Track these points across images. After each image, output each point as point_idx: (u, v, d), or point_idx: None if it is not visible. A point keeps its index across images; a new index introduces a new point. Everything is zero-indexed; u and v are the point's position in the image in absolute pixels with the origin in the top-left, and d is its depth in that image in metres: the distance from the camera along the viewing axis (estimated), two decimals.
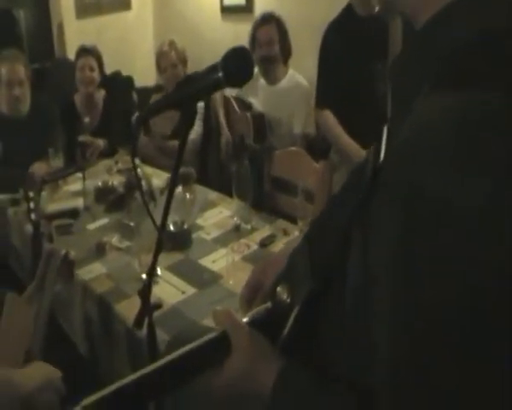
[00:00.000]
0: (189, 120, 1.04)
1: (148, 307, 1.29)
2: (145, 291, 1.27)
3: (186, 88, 0.99)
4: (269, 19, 3.13)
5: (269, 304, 0.92)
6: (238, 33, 3.92)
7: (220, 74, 0.92)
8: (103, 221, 2.32)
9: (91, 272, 1.92)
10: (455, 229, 0.54)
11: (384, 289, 0.63)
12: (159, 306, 1.36)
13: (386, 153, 0.71)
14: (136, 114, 3.69)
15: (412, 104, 0.64)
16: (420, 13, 0.69)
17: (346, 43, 2.40)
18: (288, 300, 0.86)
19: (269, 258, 1.14)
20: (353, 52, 2.37)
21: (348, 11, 2.42)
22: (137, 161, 2.94)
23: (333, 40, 2.46)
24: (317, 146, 3.05)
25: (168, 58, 3.35)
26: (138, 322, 1.29)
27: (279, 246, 2.00)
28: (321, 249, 0.84)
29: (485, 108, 0.56)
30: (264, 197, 2.43)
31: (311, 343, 0.82)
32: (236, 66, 0.93)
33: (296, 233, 2.04)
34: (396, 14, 0.78)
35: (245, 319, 0.89)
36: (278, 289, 0.89)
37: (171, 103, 1.08)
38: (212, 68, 0.94)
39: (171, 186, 1.15)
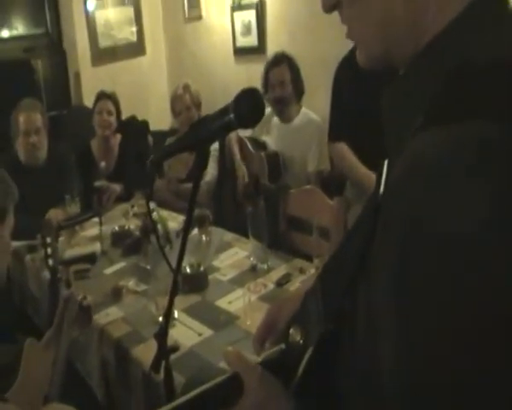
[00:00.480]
0: (202, 162, 1.05)
1: (165, 350, 1.28)
2: (161, 334, 1.27)
3: (198, 130, 1.00)
4: (281, 59, 3.18)
5: (282, 345, 0.92)
6: (251, 74, 3.98)
7: (231, 116, 0.93)
8: (120, 265, 2.33)
9: (108, 316, 1.92)
10: (451, 259, 0.54)
11: (383, 330, 0.62)
12: (175, 349, 1.35)
13: (384, 188, 0.72)
14: (151, 157, 3.75)
15: (408, 138, 0.64)
16: (404, 54, 0.70)
17: (357, 77, 2.41)
18: (301, 341, 0.85)
19: (284, 297, 1.13)
20: (364, 85, 2.38)
21: None
22: (153, 205, 2.97)
23: (344, 74, 2.49)
24: (332, 183, 3.06)
25: (182, 101, 3.41)
26: (155, 366, 1.28)
27: (295, 285, 1.99)
28: (332, 290, 0.83)
29: (472, 138, 0.56)
30: (280, 237, 2.42)
31: (324, 386, 0.82)
32: (247, 107, 0.94)
33: (312, 271, 2.03)
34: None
35: (258, 360, 0.89)
36: (291, 330, 0.88)
37: (184, 146, 1.09)
38: (224, 110, 0.95)
39: (186, 228, 1.16)
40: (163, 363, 1.28)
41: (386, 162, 0.76)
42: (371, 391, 0.70)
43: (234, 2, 4.14)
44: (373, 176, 2.56)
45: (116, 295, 2.04)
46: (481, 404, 0.54)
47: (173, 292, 1.24)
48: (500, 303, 0.53)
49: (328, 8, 0.76)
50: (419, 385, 0.57)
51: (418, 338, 0.57)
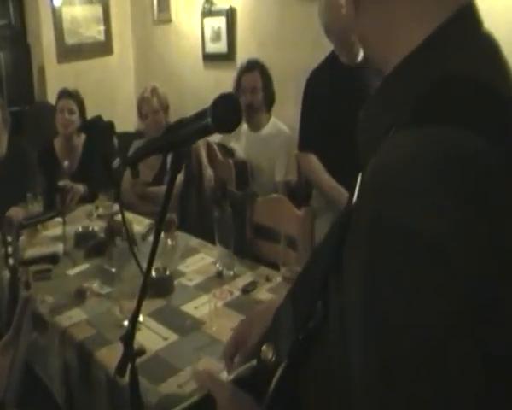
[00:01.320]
0: (178, 165, 1.05)
1: (131, 353, 1.27)
2: (128, 337, 1.25)
3: (175, 133, 1.00)
4: (254, 66, 3.20)
5: (254, 362, 0.93)
6: (220, 80, 3.99)
7: (209, 120, 0.94)
8: (83, 267, 2.29)
9: (71, 318, 1.89)
10: (417, 257, 0.55)
11: (354, 328, 0.63)
12: (141, 352, 1.34)
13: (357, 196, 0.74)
14: (118, 159, 3.70)
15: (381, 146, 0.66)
16: (386, 64, 0.73)
17: (329, 90, 2.46)
18: (273, 359, 0.86)
19: (254, 311, 1.14)
20: (336, 99, 2.43)
21: (332, 58, 2.49)
22: (117, 207, 2.94)
23: (316, 86, 2.52)
24: (299, 193, 3.09)
25: (150, 104, 3.39)
26: (120, 369, 1.27)
27: (261, 292, 2.00)
28: (303, 302, 0.85)
29: (441, 140, 0.59)
30: (247, 244, 2.43)
31: (296, 399, 0.83)
32: (225, 112, 0.95)
33: (279, 279, 2.05)
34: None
35: (230, 377, 0.89)
36: (263, 347, 0.89)
37: (160, 148, 1.09)
38: (201, 114, 0.96)
39: (157, 231, 1.15)
40: (128, 367, 1.27)
41: (359, 175, 0.77)
42: (344, 395, 0.71)
43: (204, 8, 4.14)
44: (339, 188, 2.59)
45: (80, 296, 2.00)
46: (450, 400, 0.55)
47: (142, 295, 1.23)
48: (465, 298, 0.54)
49: None
50: (388, 382, 0.58)
51: (385, 334, 0.58)
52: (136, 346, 1.25)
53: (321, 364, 0.78)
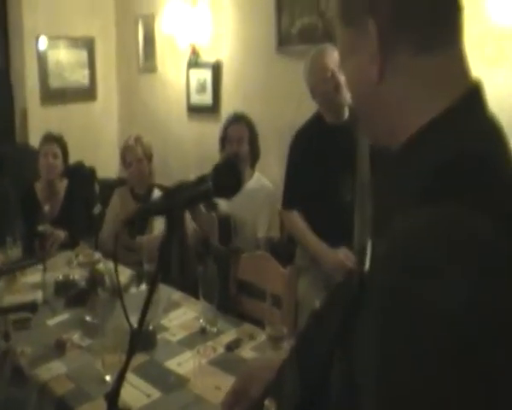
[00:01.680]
0: (175, 228, 1.06)
1: None
2: (113, 395, 1.23)
3: (174, 196, 1.02)
4: (241, 118, 3.25)
5: None
6: (204, 132, 4.04)
7: (210, 185, 0.96)
8: (63, 317, 2.25)
9: (50, 371, 1.84)
10: (432, 331, 0.58)
11: (369, 397, 0.65)
12: None
13: (370, 265, 0.76)
14: (99, 206, 3.69)
15: (392, 220, 0.69)
16: (393, 139, 0.77)
17: (314, 150, 2.50)
18: None
19: (254, 365, 1.15)
20: (321, 159, 2.48)
21: (317, 118, 2.54)
22: (99, 256, 2.91)
23: (301, 146, 2.56)
24: (281, 250, 3.11)
25: (133, 153, 3.39)
26: None
27: (245, 350, 1.99)
28: (310, 363, 0.86)
29: (455, 219, 0.62)
30: (230, 300, 2.42)
31: None
32: (226, 178, 0.97)
33: (263, 337, 2.04)
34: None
35: None
36: (266, 402, 0.90)
37: (158, 210, 1.10)
38: (202, 179, 0.98)
39: (152, 288, 1.14)
40: None
41: (369, 243, 0.80)
42: None
43: (190, 60, 4.22)
44: (324, 246, 2.60)
45: (59, 348, 1.96)
46: None
47: (131, 351, 1.21)
48: (479, 370, 0.57)
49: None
50: None
51: (399, 403, 0.60)
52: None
53: None
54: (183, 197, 1.00)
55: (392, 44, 0.73)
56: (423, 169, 0.70)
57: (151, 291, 1.12)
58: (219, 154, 3.33)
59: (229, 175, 0.97)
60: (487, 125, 0.73)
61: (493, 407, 0.57)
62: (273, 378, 0.99)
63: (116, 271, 1.45)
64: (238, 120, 3.25)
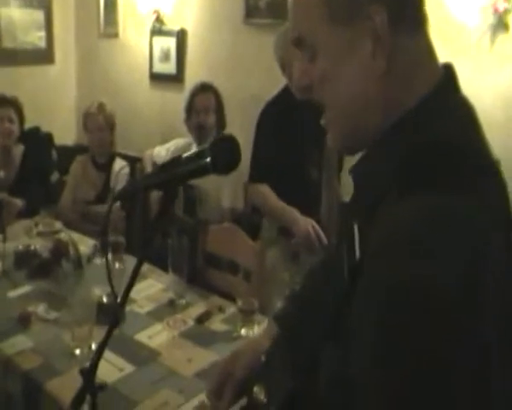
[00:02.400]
0: (169, 203, 1.03)
1: (93, 387, 1.22)
2: (89, 371, 1.20)
3: (171, 170, 0.99)
4: (208, 87, 3.21)
5: (243, 401, 0.94)
6: (166, 102, 3.96)
7: (208, 160, 0.93)
8: (26, 289, 2.16)
9: (14, 345, 1.77)
10: (435, 312, 0.60)
11: (366, 380, 0.66)
12: (103, 387, 1.29)
13: (361, 252, 0.75)
14: (56, 173, 3.57)
15: (380, 206, 0.71)
16: (376, 131, 0.76)
17: (282, 124, 2.48)
18: (265, 400, 0.87)
19: (237, 350, 1.15)
20: (290, 133, 2.47)
21: (286, 93, 2.51)
22: (60, 226, 2.83)
23: (270, 119, 2.54)
24: (245, 221, 3.10)
25: (95, 121, 3.31)
26: (77, 403, 1.21)
27: (215, 323, 1.99)
28: (301, 350, 0.86)
29: (448, 206, 0.64)
30: (198, 272, 2.40)
31: None
32: (225, 153, 0.95)
33: (232, 309, 2.04)
34: None
35: None
36: (255, 388, 0.90)
37: (153, 184, 1.06)
38: (200, 153, 0.95)
39: (137, 265, 1.12)
40: (87, 401, 1.21)
41: (355, 228, 0.80)
42: None
43: (154, 27, 4.10)
44: (294, 211, 2.54)
45: (23, 322, 1.89)
46: None
47: (113, 325, 1.19)
48: (476, 344, 0.60)
49: (301, 92, 0.81)
50: None
51: (399, 390, 0.62)
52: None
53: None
54: (179, 172, 0.97)
55: (396, 27, 0.72)
56: (409, 156, 0.71)
57: (134, 273, 1.09)
58: (184, 123, 3.28)
59: (228, 151, 0.95)
60: (462, 108, 0.75)
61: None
62: (260, 364, 1.00)
63: (106, 250, 1.41)
64: (205, 89, 3.20)
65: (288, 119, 2.49)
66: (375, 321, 0.63)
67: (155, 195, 3.24)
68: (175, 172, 0.98)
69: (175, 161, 1.00)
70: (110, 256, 2.43)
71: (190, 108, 3.20)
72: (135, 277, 1.11)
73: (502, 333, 0.63)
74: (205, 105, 3.15)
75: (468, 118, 0.74)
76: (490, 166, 0.71)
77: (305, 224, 2.36)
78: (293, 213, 2.40)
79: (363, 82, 0.74)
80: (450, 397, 0.60)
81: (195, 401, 1.52)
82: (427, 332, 0.60)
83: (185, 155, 0.99)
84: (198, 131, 3.16)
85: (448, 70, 0.77)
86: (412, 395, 0.60)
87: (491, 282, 0.62)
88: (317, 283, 1.05)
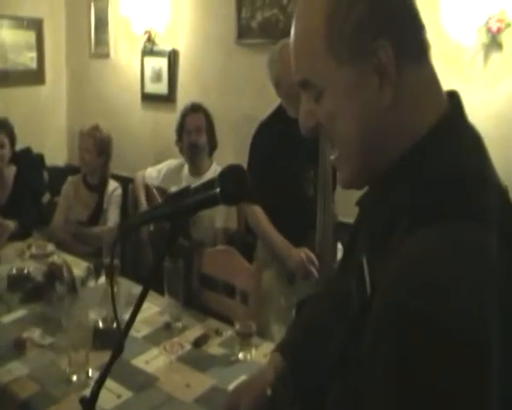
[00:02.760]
0: (177, 234, 1.02)
1: None
2: (90, 400, 1.19)
3: (179, 201, 0.98)
4: (198, 108, 3.23)
5: None
6: (158, 122, 3.96)
7: (217, 191, 0.93)
8: (20, 313, 2.14)
9: (10, 372, 1.75)
10: (450, 352, 0.59)
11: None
12: None
13: (372, 285, 0.75)
14: (48, 194, 3.56)
15: (391, 237, 0.70)
16: (382, 163, 0.76)
17: (276, 144, 2.48)
18: None
19: (240, 385, 1.15)
20: (284, 153, 2.47)
21: (279, 111, 2.52)
22: (53, 248, 2.81)
23: (264, 139, 2.53)
24: (238, 241, 3.10)
25: (84, 142, 3.30)
26: None
27: (213, 347, 1.97)
28: (308, 386, 0.86)
29: (465, 239, 0.64)
30: (193, 295, 2.39)
31: None
32: (234, 184, 0.94)
33: (229, 333, 2.03)
34: None
35: None
36: None
37: (161, 215, 1.04)
38: (208, 184, 0.94)
39: (143, 294, 1.10)
40: None
41: (364, 261, 0.79)
42: None
43: (145, 47, 4.11)
44: (285, 242, 2.56)
45: (19, 348, 1.87)
46: None
47: (115, 355, 1.18)
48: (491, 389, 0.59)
49: (309, 132, 0.81)
50: None
51: None
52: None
53: None
54: (187, 203, 0.96)
55: (401, 58, 0.73)
56: (421, 186, 0.71)
57: (139, 302, 1.08)
58: (176, 145, 3.28)
59: (237, 181, 0.94)
60: (471, 137, 0.75)
61: None
62: (264, 397, 0.99)
63: (111, 273, 1.40)
64: (196, 109, 3.22)
65: (282, 138, 2.49)
66: (386, 362, 0.63)
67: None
68: (183, 204, 0.97)
69: (183, 193, 0.99)
70: (104, 279, 2.42)
71: (182, 129, 3.21)
72: (140, 305, 1.09)
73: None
74: (196, 125, 3.17)
75: (478, 146, 0.75)
76: (501, 195, 0.72)
77: (298, 254, 2.35)
78: (285, 248, 2.39)
79: (371, 116, 0.74)
80: None
81: None
82: (440, 375, 0.59)
83: (193, 186, 0.98)
84: (190, 151, 3.17)
85: (454, 97, 0.78)
86: None
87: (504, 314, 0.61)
88: (320, 311, 1.05)
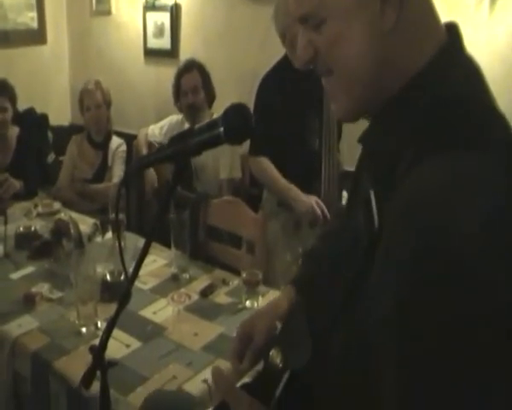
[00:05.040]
0: (181, 175, 1.01)
1: (103, 364, 1.22)
2: (99, 348, 1.20)
3: (183, 142, 0.96)
4: (191, 66, 3.18)
5: (260, 367, 0.94)
6: (161, 77, 3.91)
7: (221, 130, 0.91)
8: (28, 270, 2.16)
9: (21, 326, 1.78)
10: (460, 283, 0.59)
11: (382, 348, 0.65)
12: (113, 363, 1.29)
13: (380, 218, 0.75)
14: (52, 154, 3.54)
15: (397, 169, 0.69)
16: (382, 94, 0.75)
17: (282, 95, 2.45)
18: (281, 364, 0.88)
19: (255, 313, 1.15)
20: (289, 104, 2.44)
21: (285, 62, 2.48)
22: (59, 206, 2.81)
23: (269, 90, 2.50)
24: (243, 191, 3.10)
25: (93, 98, 3.27)
26: (87, 380, 1.21)
27: (220, 296, 1.99)
28: (320, 314, 0.86)
29: (471, 168, 0.63)
30: (200, 246, 2.39)
31: (301, 405, 0.84)
32: (238, 122, 0.92)
33: (236, 282, 2.05)
34: None
35: (238, 384, 0.90)
36: (272, 352, 0.91)
37: (166, 156, 1.03)
38: (212, 124, 0.93)
39: (146, 247, 1.09)
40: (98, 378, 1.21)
41: (372, 194, 0.78)
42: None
43: (147, 2, 4.02)
44: (294, 188, 2.57)
45: (29, 302, 1.89)
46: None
47: (123, 303, 1.19)
48: (500, 320, 0.58)
49: (305, 63, 0.80)
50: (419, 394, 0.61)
51: (420, 360, 0.61)
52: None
53: (329, 373, 0.79)
54: (192, 143, 0.94)
55: None
56: (418, 115, 0.70)
57: (143, 254, 1.08)
58: (175, 106, 3.26)
59: (240, 119, 0.92)
60: (471, 66, 0.75)
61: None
62: (277, 329, 1.00)
63: (117, 221, 1.39)
64: (189, 68, 3.18)
65: (287, 88, 2.46)
66: (398, 282, 0.62)
67: (151, 173, 3.23)
68: (187, 144, 0.95)
69: (187, 133, 0.97)
70: (110, 234, 2.43)
71: (178, 91, 3.18)
72: (145, 253, 1.09)
73: None
74: (192, 85, 3.13)
75: (477, 75, 0.74)
76: (502, 121, 0.71)
77: (309, 199, 2.36)
78: (296, 192, 2.39)
79: (373, 41, 0.73)
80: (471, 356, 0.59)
81: (204, 375, 1.52)
82: (454, 294, 0.59)
83: (197, 126, 0.97)
84: (189, 111, 3.14)
85: (452, 29, 0.77)
86: (430, 349, 0.60)
87: None
88: (332, 244, 1.05)
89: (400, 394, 0.63)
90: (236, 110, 0.92)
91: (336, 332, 0.78)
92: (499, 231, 0.60)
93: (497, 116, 0.71)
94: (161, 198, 3.01)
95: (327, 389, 0.81)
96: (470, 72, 0.74)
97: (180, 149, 0.94)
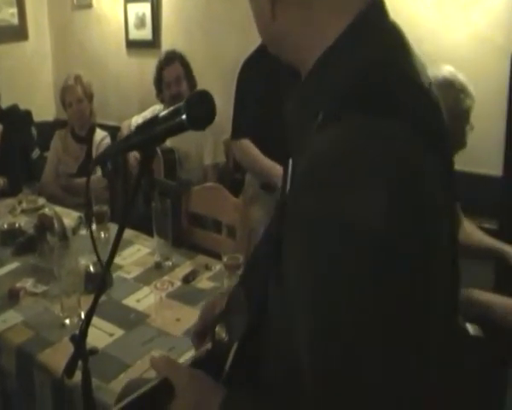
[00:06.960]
0: (147, 163, 1.03)
1: (84, 353, 1.23)
2: (81, 337, 1.22)
3: (147, 130, 0.98)
4: (173, 57, 3.19)
5: (209, 345, 0.97)
6: (144, 68, 3.90)
7: (183, 117, 0.93)
8: (13, 266, 2.18)
9: (5, 321, 1.79)
10: (353, 246, 0.60)
11: (295, 311, 0.68)
12: (94, 351, 1.30)
13: (291, 183, 0.77)
14: (37, 150, 3.54)
15: (308, 137, 0.71)
16: (304, 64, 0.78)
17: (262, 77, 2.46)
18: (226, 338, 0.90)
19: (216, 296, 1.17)
20: (270, 85, 2.44)
21: (262, 48, 2.48)
22: (43, 201, 2.82)
23: (249, 74, 2.51)
24: (227, 175, 3.12)
25: (73, 93, 3.27)
26: (69, 370, 1.22)
27: (202, 281, 2.01)
28: (253, 287, 0.89)
29: (369, 131, 0.63)
30: (183, 233, 2.41)
31: (250, 377, 0.86)
32: (200, 109, 0.94)
33: (218, 267, 2.07)
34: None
35: (187, 363, 0.93)
36: (217, 328, 0.93)
37: (131, 145, 1.05)
38: (175, 111, 0.94)
39: (120, 229, 1.11)
40: (79, 367, 1.23)
41: (290, 161, 0.80)
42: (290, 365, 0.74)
43: None
44: (277, 166, 2.59)
45: (13, 297, 1.91)
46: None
47: (100, 290, 1.20)
48: (401, 279, 0.61)
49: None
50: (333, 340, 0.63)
51: (325, 310, 0.63)
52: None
53: (269, 340, 0.82)
54: (156, 131, 0.96)
55: None
56: (335, 82, 0.71)
57: (119, 233, 1.09)
58: (157, 98, 3.26)
59: (202, 105, 0.94)
60: (393, 32, 0.75)
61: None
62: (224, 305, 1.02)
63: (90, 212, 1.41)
64: (171, 59, 3.19)
65: (267, 72, 2.46)
66: (300, 255, 0.64)
67: (133, 154, 3.23)
68: (152, 132, 0.97)
69: (152, 121, 0.99)
70: (95, 226, 2.44)
71: (160, 82, 3.19)
72: (119, 239, 1.10)
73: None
74: (174, 76, 3.15)
75: (399, 42, 0.74)
76: (416, 90, 0.70)
77: None
78: (279, 169, 2.39)
79: (260, 21, 0.80)
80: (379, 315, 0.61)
81: (185, 359, 1.54)
82: (353, 263, 0.60)
83: (161, 114, 0.98)
84: (174, 103, 3.12)
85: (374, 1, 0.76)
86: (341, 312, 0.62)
87: (426, 208, 0.62)
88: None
89: (308, 337, 0.66)
90: (198, 97, 0.94)
91: (271, 290, 0.80)
92: (398, 198, 0.60)
93: (412, 84, 0.70)
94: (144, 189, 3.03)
95: (268, 352, 0.83)
96: (390, 38, 0.74)
97: (145, 137, 0.96)
